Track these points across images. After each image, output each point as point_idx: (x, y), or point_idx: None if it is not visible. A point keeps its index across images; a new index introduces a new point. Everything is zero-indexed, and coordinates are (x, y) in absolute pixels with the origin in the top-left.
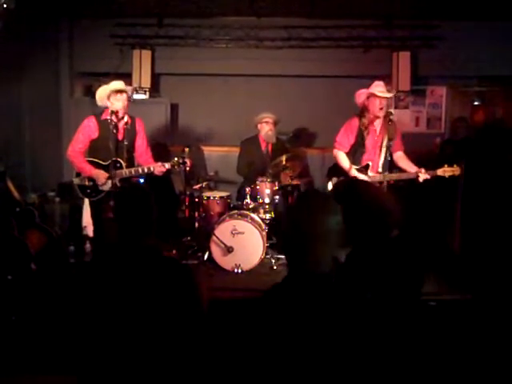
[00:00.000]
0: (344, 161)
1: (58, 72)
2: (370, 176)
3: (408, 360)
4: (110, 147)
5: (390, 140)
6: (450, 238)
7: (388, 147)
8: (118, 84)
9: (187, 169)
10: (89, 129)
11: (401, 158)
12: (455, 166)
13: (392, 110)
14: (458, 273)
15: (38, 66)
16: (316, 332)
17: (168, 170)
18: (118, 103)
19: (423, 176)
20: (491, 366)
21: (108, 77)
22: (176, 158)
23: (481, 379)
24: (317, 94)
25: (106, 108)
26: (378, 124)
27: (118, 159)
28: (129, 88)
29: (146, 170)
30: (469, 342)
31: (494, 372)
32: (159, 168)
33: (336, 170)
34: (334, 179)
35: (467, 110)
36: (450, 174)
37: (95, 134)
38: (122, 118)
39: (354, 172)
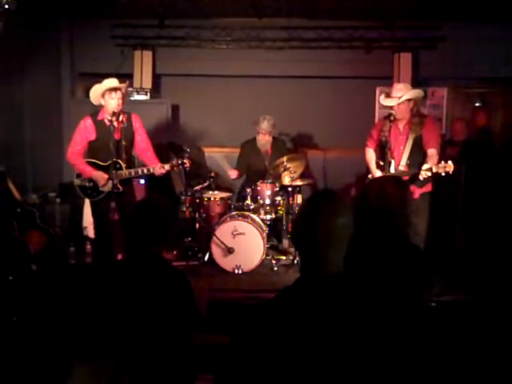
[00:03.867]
0: (367, 155)
1: (59, 73)
2: (391, 173)
3: (412, 361)
4: (111, 148)
5: (416, 138)
6: (451, 239)
7: (416, 145)
8: (111, 82)
9: (187, 169)
10: (85, 130)
11: (430, 157)
12: (449, 162)
13: (394, 112)
14: (459, 274)
15: (39, 67)
16: (329, 334)
17: (168, 171)
18: (113, 101)
19: (424, 174)
20: (492, 367)
21: (109, 78)
22: (175, 159)
23: (482, 379)
24: (318, 95)
25: (103, 107)
26: (402, 123)
27: (118, 160)
28: (123, 85)
29: (145, 172)
30: (470, 343)
31: (495, 372)
32: (159, 170)
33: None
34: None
35: (468, 111)
36: (443, 170)
37: (92, 136)
38: (118, 116)
39: (372, 168)
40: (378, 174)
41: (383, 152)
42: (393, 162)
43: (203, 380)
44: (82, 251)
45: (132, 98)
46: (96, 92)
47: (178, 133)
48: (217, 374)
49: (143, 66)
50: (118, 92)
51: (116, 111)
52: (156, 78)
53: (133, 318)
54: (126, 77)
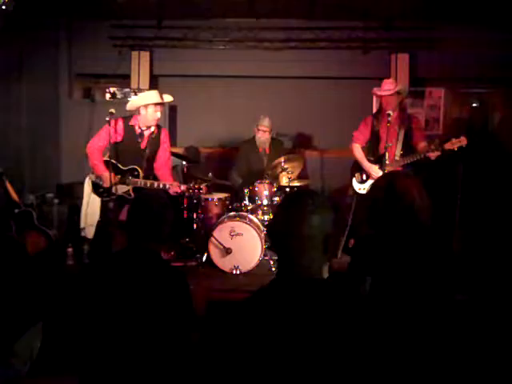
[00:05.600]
0: (357, 152)
1: (56, 73)
2: (387, 164)
3: (405, 359)
4: (133, 154)
5: (406, 130)
6: (448, 240)
7: (406, 137)
8: (158, 97)
9: (202, 195)
10: (114, 131)
11: (422, 148)
12: (462, 136)
13: (391, 112)
14: (457, 273)
15: (37, 67)
16: (301, 334)
17: (183, 192)
18: (156, 114)
19: (434, 152)
20: (491, 367)
21: (107, 78)
22: (193, 183)
23: (482, 379)
24: (316, 96)
25: (137, 114)
26: (392, 117)
27: (137, 167)
28: (170, 99)
29: (161, 186)
30: (467, 344)
31: (494, 373)
32: (175, 188)
33: (357, 165)
34: (357, 175)
35: (465, 111)
36: (458, 145)
37: (119, 138)
38: (150, 126)
39: (365, 163)
40: (374, 168)
41: (372, 147)
42: (387, 154)
43: None
44: (79, 252)
45: (129, 99)
46: (140, 101)
47: (175, 133)
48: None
49: (141, 66)
50: (161, 106)
51: (154, 125)
52: (153, 78)
53: (126, 314)
54: (123, 77)
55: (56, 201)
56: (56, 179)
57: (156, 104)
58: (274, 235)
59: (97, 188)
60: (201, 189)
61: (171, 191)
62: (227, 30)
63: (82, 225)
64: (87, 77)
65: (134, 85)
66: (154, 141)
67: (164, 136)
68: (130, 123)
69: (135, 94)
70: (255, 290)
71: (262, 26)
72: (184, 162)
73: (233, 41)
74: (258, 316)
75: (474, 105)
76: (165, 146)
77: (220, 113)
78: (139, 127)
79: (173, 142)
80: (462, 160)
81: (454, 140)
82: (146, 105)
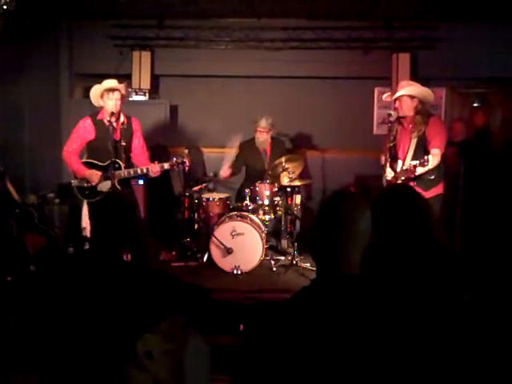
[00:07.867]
0: (384, 157)
1: (57, 73)
2: (397, 172)
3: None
4: (109, 148)
5: (419, 137)
6: (450, 240)
7: (420, 145)
8: (110, 82)
9: (186, 169)
10: (84, 130)
11: (432, 156)
12: (425, 157)
13: (392, 112)
14: (458, 273)
15: (38, 67)
16: (349, 334)
17: (167, 171)
18: (111, 102)
19: (410, 167)
20: (492, 368)
21: (108, 78)
22: (175, 158)
23: (482, 380)
24: (316, 96)
25: (103, 108)
26: (406, 122)
27: (117, 160)
28: (121, 86)
29: (144, 171)
30: (468, 344)
31: (495, 373)
32: (158, 168)
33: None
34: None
35: (467, 111)
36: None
37: (91, 135)
38: (118, 117)
39: (384, 169)
40: (388, 171)
41: (391, 152)
42: (399, 162)
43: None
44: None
45: (130, 99)
46: (95, 92)
47: (176, 133)
48: (235, 374)
49: (142, 66)
50: (116, 93)
51: (114, 112)
52: (154, 78)
53: (85, 318)
54: (124, 77)
55: (57, 200)
56: (57, 179)
57: (108, 91)
58: (319, 240)
59: (82, 192)
60: (184, 162)
61: (153, 171)
62: (228, 30)
63: (84, 224)
64: (88, 77)
65: (135, 85)
66: (127, 130)
67: (135, 124)
68: (98, 118)
69: (136, 94)
70: (255, 289)
71: (262, 25)
72: (186, 162)
73: (234, 41)
74: (305, 315)
75: (475, 104)
76: (138, 135)
77: (221, 112)
78: (107, 120)
79: (174, 141)
80: (464, 160)
81: (422, 159)
82: (101, 95)
